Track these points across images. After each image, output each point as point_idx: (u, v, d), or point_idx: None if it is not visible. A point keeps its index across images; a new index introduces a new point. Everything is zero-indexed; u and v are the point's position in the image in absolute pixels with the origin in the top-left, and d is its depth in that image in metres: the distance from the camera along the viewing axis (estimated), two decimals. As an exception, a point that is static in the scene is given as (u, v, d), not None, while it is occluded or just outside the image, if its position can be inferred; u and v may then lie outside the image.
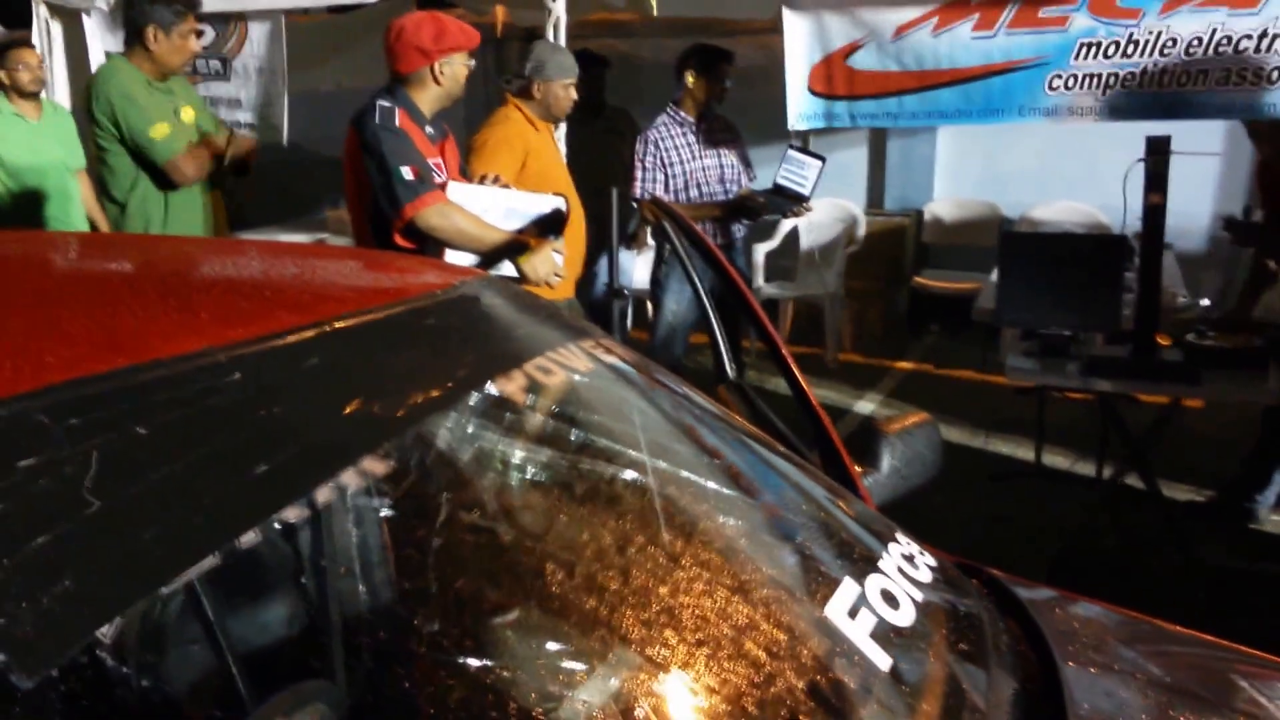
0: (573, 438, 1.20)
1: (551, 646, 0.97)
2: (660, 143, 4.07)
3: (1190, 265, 5.17)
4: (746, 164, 4.25)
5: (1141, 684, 1.17)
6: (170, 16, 3.17)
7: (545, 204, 2.88)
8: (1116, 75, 3.30)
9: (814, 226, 5.86)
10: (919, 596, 1.19)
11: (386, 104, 2.77)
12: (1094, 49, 3.30)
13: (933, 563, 1.33)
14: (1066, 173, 5.79)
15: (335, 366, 1.03)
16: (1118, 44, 3.27)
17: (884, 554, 1.25)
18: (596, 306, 4.54)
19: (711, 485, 1.25)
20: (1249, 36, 3.13)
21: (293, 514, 1.01)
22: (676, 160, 4.09)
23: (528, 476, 1.14)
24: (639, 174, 4.11)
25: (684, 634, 0.99)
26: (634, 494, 1.14)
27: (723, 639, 0.99)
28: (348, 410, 0.97)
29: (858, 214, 5.88)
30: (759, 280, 5.69)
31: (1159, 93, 3.27)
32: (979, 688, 1.09)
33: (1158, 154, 3.05)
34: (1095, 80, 3.34)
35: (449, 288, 1.32)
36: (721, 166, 4.13)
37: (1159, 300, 3.17)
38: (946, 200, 6.29)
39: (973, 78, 3.47)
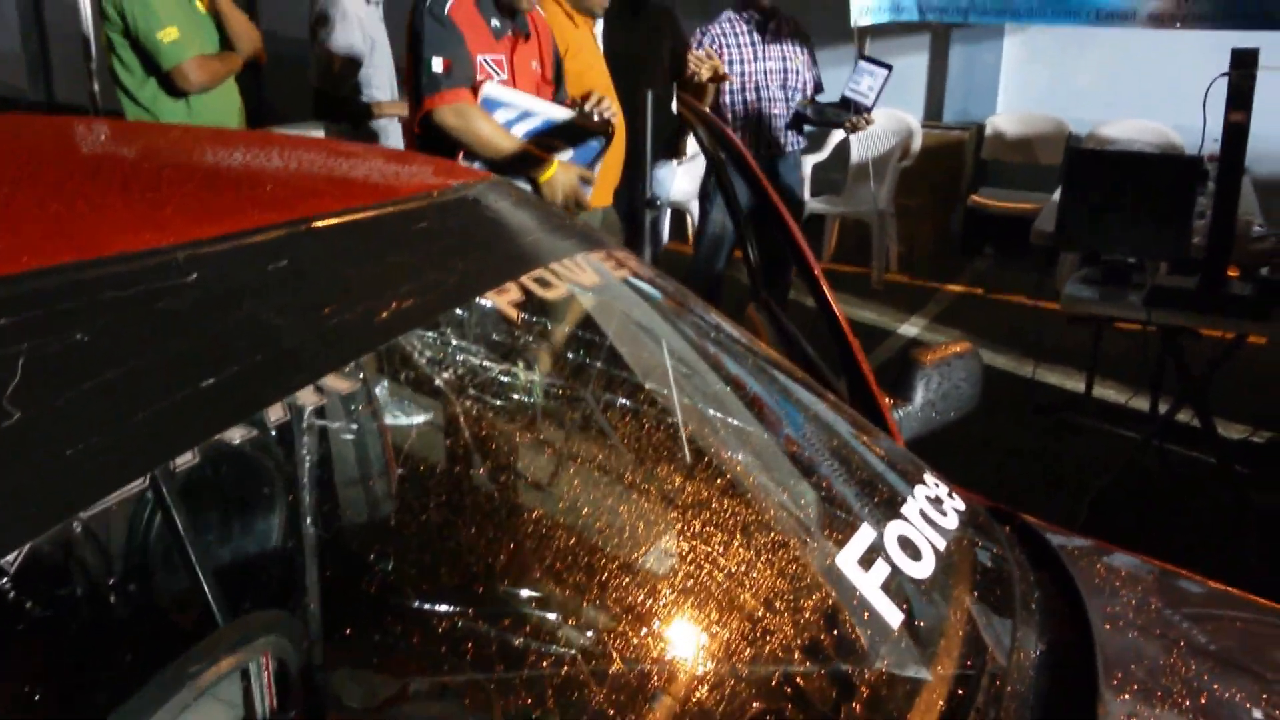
0: (569, 357, 1.10)
1: (531, 587, 0.89)
2: (720, 39, 3.89)
3: (1268, 192, 4.85)
4: (814, 73, 4.03)
5: (1183, 650, 1.06)
6: None
7: (586, 131, 2.69)
8: (1206, -21, 3.03)
9: (866, 139, 5.60)
10: (942, 545, 1.09)
11: None
12: (1183, -52, 3.03)
13: (961, 507, 1.23)
14: (1139, 88, 5.44)
15: (308, 270, 0.93)
16: (1210, -57, 2.99)
17: (908, 497, 1.15)
18: (634, 217, 4.40)
19: (719, 416, 1.15)
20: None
21: (247, 433, 0.93)
22: (736, 60, 3.91)
23: (517, 398, 1.05)
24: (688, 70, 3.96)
25: (677, 578, 0.90)
26: (630, 422, 1.05)
27: (720, 586, 0.90)
28: (314, 319, 0.88)
29: (914, 126, 5.60)
30: (805, 194, 5.48)
31: None
32: (1002, 645, 0.99)
33: (1243, 68, 2.80)
34: (1182, -17, 3.07)
35: (447, 189, 1.21)
36: (785, 72, 3.93)
37: (1234, 228, 2.96)
38: (1010, 114, 5.97)
39: (1050, -25, 3.21)
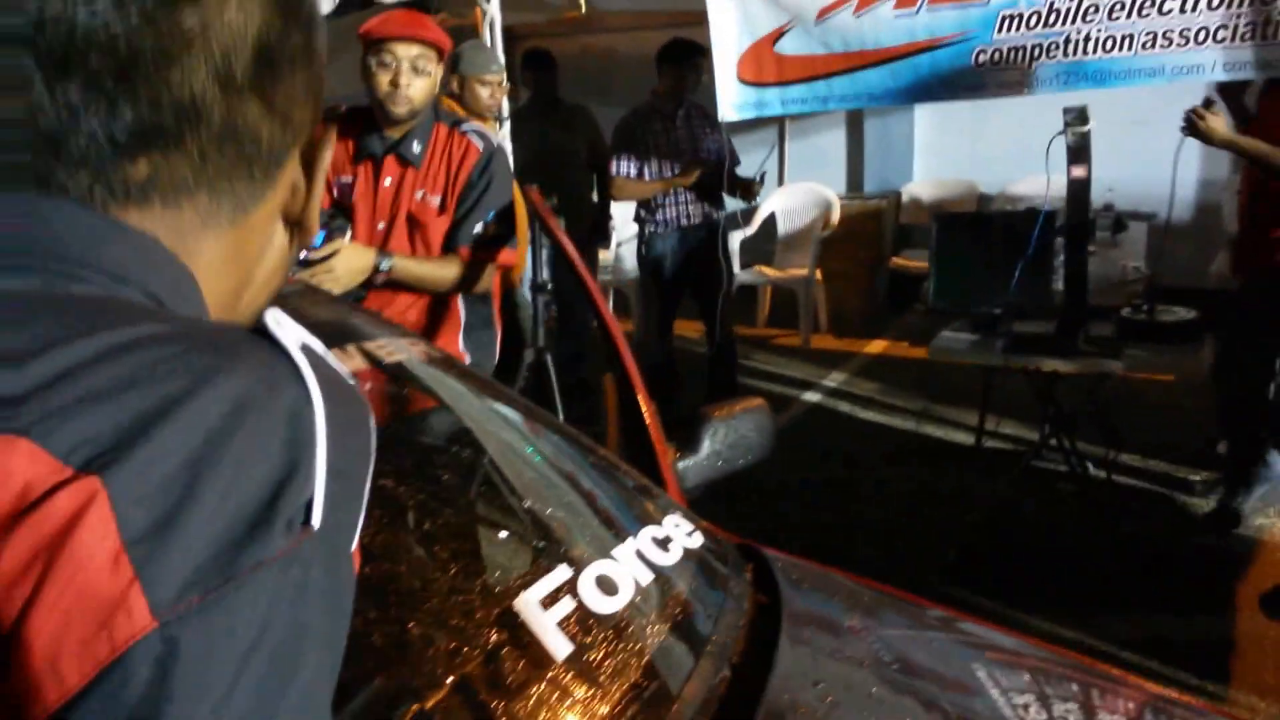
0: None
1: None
2: (636, 128, 4.25)
3: (1170, 236, 5.04)
4: (726, 150, 4.27)
5: (866, 671, 1.16)
6: None
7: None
8: (1041, 46, 3.24)
9: (788, 213, 5.83)
10: (646, 580, 1.19)
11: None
12: (1016, 21, 3.25)
13: (694, 545, 1.33)
14: (1043, 147, 5.67)
15: None
16: (1039, 14, 3.21)
17: (628, 538, 1.25)
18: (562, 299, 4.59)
19: (456, 477, 1.27)
20: (1173, -3, 3.05)
21: None
22: (650, 146, 4.25)
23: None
24: (614, 156, 4.31)
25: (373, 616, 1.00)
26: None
27: (396, 620, 1.01)
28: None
29: (832, 198, 5.83)
30: (734, 266, 5.67)
31: (1084, 61, 3.20)
32: (677, 677, 1.09)
33: (1076, 125, 3.00)
34: (1020, 53, 3.28)
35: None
36: (696, 152, 4.24)
37: (1085, 274, 3.12)
38: (925, 181, 6.21)
39: (898, 57, 3.43)
